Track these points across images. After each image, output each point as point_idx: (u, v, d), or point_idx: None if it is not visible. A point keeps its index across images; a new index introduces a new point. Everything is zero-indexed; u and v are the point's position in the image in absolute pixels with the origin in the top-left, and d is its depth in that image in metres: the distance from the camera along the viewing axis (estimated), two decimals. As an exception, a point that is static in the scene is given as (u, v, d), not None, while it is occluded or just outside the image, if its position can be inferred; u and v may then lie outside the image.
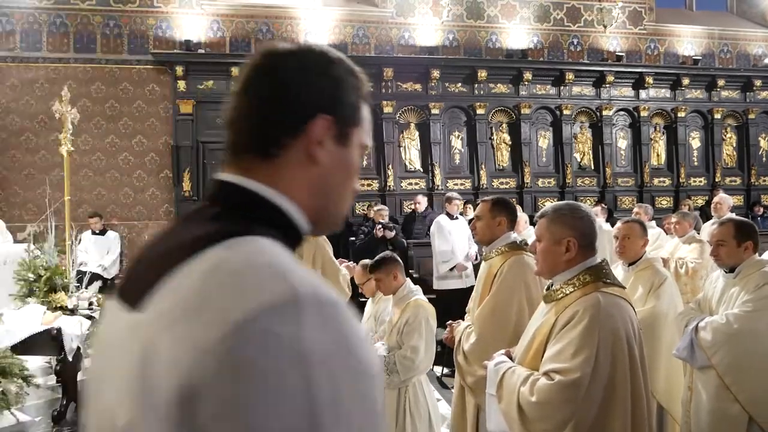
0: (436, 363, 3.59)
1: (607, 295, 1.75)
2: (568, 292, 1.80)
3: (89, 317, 4.38)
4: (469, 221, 4.95)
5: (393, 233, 6.96)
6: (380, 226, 7.00)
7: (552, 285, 1.90)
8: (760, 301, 2.61)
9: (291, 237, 0.74)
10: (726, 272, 2.84)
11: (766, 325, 2.56)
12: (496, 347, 2.08)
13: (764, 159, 10.81)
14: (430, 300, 3.34)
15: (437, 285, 6.40)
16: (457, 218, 6.66)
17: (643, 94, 10.15)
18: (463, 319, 2.81)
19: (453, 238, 6.39)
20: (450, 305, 5.40)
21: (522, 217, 5.91)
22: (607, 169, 9.91)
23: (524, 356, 1.91)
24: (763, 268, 2.71)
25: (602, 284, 1.77)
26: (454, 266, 6.40)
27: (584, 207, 1.95)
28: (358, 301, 4.69)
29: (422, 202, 8.11)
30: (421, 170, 9.38)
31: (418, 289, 3.30)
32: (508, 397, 1.81)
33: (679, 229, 5.26)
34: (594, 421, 1.63)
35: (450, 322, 2.78)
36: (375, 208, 7.55)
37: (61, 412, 4.04)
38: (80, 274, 5.73)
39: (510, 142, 9.67)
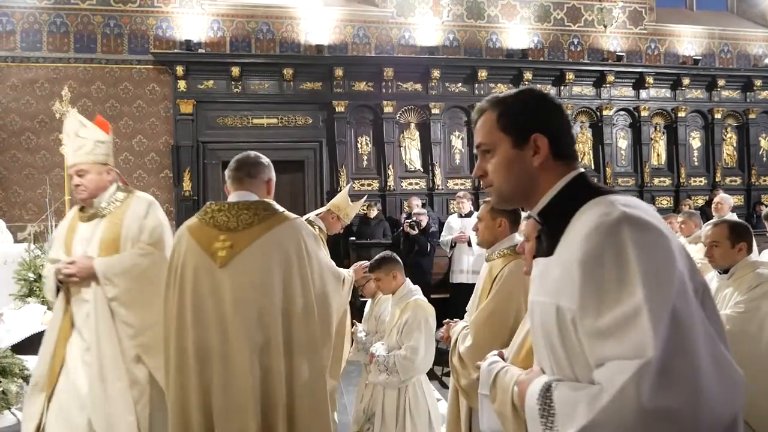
0: (436, 363, 3.59)
1: None
2: None
3: (89, 317, 4.38)
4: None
5: (415, 231, 6.98)
6: (408, 221, 7.04)
7: None
8: (752, 303, 2.61)
9: None
10: (720, 273, 2.84)
11: (757, 327, 2.57)
12: (492, 351, 2.07)
13: (764, 159, 10.80)
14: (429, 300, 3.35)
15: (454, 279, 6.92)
16: (468, 215, 6.93)
17: (643, 94, 10.15)
18: (462, 318, 2.78)
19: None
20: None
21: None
22: (607, 168, 9.92)
23: (516, 356, 1.91)
24: (756, 269, 2.72)
25: None
26: (455, 243, 6.82)
27: None
28: (358, 301, 4.69)
29: (417, 204, 8.14)
30: (422, 170, 9.38)
31: (417, 289, 3.30)
32: (501, 397, 1.81)
33: (685, 229, 5.24)
34: None
35: (447, 320, 2.75)
36: (414, 209, 7.66)
37: (61, 411, 4.03)
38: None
39: (510, 142, 9.66)
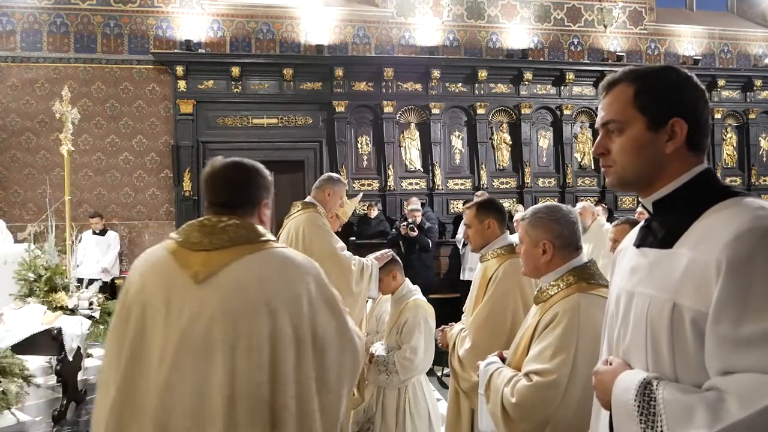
0: (436, 363, 3.59)
1: (589, 296, 1.74)
2: (552, 293, 1.81)
3: (90, 317, 4.38)
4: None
5: (416, 233, 7.01)
6: (405, 223, 7.08)
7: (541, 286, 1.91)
8: None
9: None
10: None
11: None
12: (491, 353, 2.07)
13: (764, 159, 10.81)
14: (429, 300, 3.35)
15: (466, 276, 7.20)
16: None
17: (643, 94, 10.14)
18: (460, 320, 2.78)
19: None
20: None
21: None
22: (607, 168, 9.90)
23: (513, 357, 1.92)
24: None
25: (585, 285, 1.77)
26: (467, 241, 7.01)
27: (564, 208, 1.92)
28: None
29: (416, 204, 8.14)
30: (422, 170, 9.38)
31: (416, 288, 3.30)
32: (494, 398, 1.82)
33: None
34: (573, 421, 1.63)
35: (442, 327, 2.75)
36: (409, 206, 7.64)
37: (61, 411, 4.03)
38: (79, 282, 5.71)
39: (510, 142, 9.67)
